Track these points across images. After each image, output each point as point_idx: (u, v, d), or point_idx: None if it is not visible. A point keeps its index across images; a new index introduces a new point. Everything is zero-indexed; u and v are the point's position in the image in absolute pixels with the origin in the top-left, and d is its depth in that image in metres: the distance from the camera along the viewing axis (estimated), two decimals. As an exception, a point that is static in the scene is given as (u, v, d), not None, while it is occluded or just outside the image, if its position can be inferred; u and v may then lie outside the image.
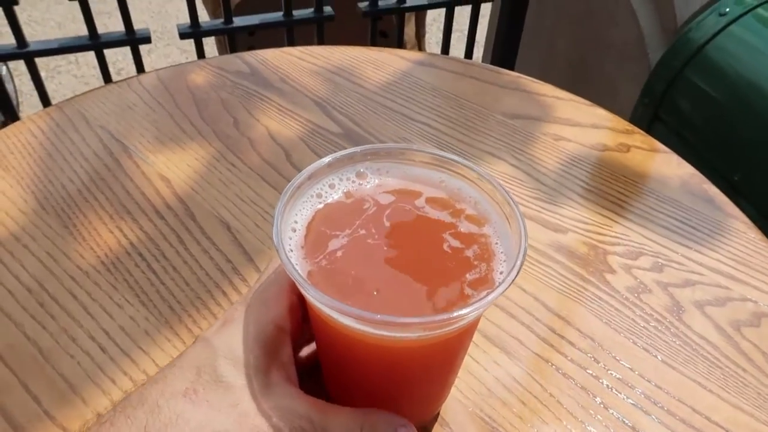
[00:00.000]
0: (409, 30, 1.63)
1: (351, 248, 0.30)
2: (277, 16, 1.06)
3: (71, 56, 2.02)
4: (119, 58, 1.97)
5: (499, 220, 0.32)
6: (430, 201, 0.33)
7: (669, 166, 0.56)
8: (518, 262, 0.28)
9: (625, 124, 0.60)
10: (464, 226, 0.32)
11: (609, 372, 0.41)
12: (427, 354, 0.30)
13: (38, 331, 0.41)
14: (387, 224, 0.31)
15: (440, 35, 2.38)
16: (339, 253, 0.30)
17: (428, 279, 0.29)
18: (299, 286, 0.28)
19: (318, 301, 0.26)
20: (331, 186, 0.33)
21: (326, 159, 0.33)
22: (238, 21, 1.05)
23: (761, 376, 0.41)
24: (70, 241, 0.47)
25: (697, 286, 0.46)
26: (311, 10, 1.08)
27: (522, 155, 0.56)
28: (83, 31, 0.95)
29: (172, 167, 0.54)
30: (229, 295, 0.44)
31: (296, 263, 0.29)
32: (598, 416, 0.38)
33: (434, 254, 0.30)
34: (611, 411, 0.39)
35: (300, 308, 0.33)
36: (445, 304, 0.28)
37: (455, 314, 0.26)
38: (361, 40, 1.09)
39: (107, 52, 0.99)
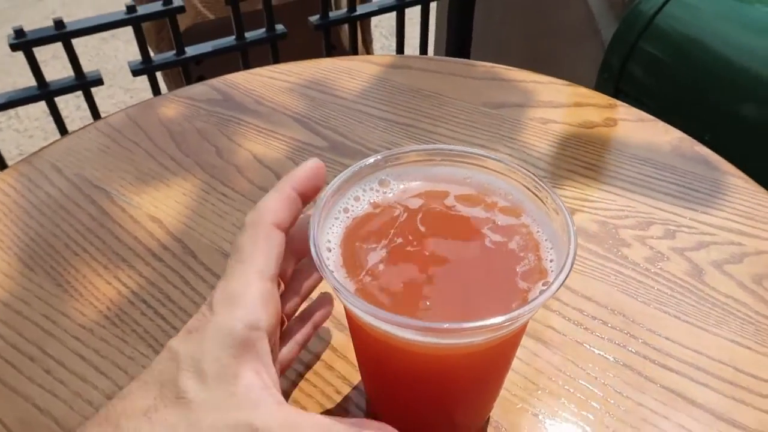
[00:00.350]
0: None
1: (392, 259, 0.29)
2: (230, 40, 1.04)
3: (11, 111, 1.94)
4: (61, 106, 1.90)
5: (534, 208, 0.31)
6: (460, 199, 0.32)
7: (657, 133, 0.56)
8: (572, 246, 0.27)
9: (607, 99, 0.60)
10: (501, 219, 0.31)
11: (647, 345, 0.40)
12: (488, 357, 0.29)
13: (49, 400, 0.39)
14: (422, 229, 0.30)
15: (384, 41, 2.39)
16: (381, 267, 0.28)
17: (480, 278, 0.28)
18: (350, 306, 0.26)
19: (377, 318, 0.25)
20: (356, 199, 0.32)
21: (347, 172, 0.31)
22: (191, 51, 1.02)
23: (792, 325, 0.41)
24: (67, 299, 0.44)
25: (711, 246, 0.46)
26: (263, 30, 1.06)
27: (514, 143, 0.56)
28: (20, 83, 0.91)
29: (161, 206, 0.51)
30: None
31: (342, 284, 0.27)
32: (647, 391, 0.38)
33: (478, 252, 0.29)
34: (658, 384, 0.38)
35: (277, 297, 0.29)
36: (504, 301, 0.27)
37: (521, 310, 0.25)
38: (312, 54, 1.08)
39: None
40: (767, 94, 0.78)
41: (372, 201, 0.32)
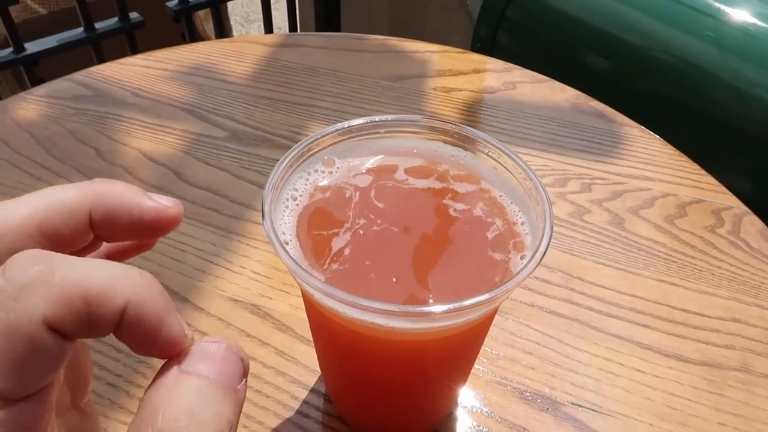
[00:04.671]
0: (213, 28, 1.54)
1: (359, 243, 0.26)
2: (78, 33, 0.93)
3: None
4: None
5: (491, 171, 0.30)
6: (410, 171, 0.30)
7: (555, 93, 0.58)
8: (546, 201, 0.26)
9: (503, 64, 0.61)
10: (459, 187, 0.29)
11: (590, 297, 0.41)
12: (468, 337, 0.27)
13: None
14: (381, 206, 0.28)
15: (240, 29, 2.29)
16: (348, 252, 0.26)
17: (457, 253, 0.26)
18: (323, 299, 0.23)
19: (361, 309, 0.22)
20: (302, 184, 0.28)
21: (287, 156, 0.28)
22: (32, 47, 0.90)
23: (706, 257, 0.44)
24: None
25: (625, 195, 0.48)
26: (115, 19, 0.96)
27: (422, 114, 0.55)
28: None
29: (41, 223, 0.44)
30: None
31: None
32: (599, 341, 0.38)
33: (447, 223, 0.27)
34: (607, 332, 0.39)
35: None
36: (487, 274, 0.25)
37: (515, 279, 0.23)
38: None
39: None
40: (618, 47, 0.84)
41: (320, 184, 0.29)
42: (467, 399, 0.35)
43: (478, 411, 0.35)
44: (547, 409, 0.35)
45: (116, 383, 0.35)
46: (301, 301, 0.30)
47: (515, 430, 0.34)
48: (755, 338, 0.39)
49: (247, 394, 0.34)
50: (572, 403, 0.35)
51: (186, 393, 0.16)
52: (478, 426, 0.34)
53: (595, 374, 0.37)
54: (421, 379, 0.29)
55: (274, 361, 0.36)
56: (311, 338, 0.33)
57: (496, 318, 0.39)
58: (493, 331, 0.39)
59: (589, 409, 0.35)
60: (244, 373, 0.18)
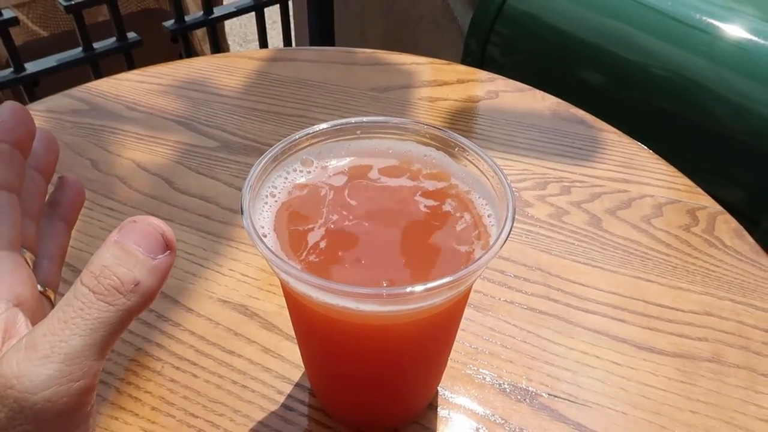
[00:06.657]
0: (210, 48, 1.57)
1: (332, 236, 0.27)
2: (77, 52, 0.95)
3: None
4: None
5: (462, 169, 0.31)
6: (383, 171, 0.31)
7: (536, 101, 0.60)
8: (509, 195, 0.27)
9: (486, 74, 0.63)
10: (429, 184, 0.31)
11: (567, 293, 0.42)
12: (438, 323, 0.29)
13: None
14: (353, 203, 0.29)
15: (238, 48, 2.33)
16: (323, 245, 0.27)
17: (424, 243, 0.28)
18: (301, 287, 0.25)
19: (337, 293, 0.24)
20: (281, 182, 0.30)
21: (268, 154, 0.29)
22: (32, 67, 0.92)
23: (681, 255, 0.45)
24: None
25: (603, 196, 0.50)
26: (113, 39, 0.98)
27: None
28: None
29: (37, 231, 0.45)
30: (167, 346, 0.38)
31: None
32: (576, 336, 0.40)
33: (416, 218, 0.29)
34: (584, 327, 0.40)
35: (20, 261, 0.25)
36: (453, 262, 0.27)
37: (476, 263, 0.25)
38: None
39: None
40: (609, 61, 0.86)
41: (297, 182, 0.30)
42: (446, 391, 0.36)
43: (457, 402, 0.36)
44: (524, 399, 0.36)
45: (107, 380, 0.36)
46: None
47: (493, 420, 0.35)
48: (727, 331, 0.40)
49: (233, 389, 0.36)
50: (548, 394, 0.36)
51: (107, 255, 0.21)
52: (457, 417, 0.35)
53: (571, 366, 0.38)
54: (396, 367, 0.30)
55: (260, 358, 0.38)
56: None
57: (475, 315, 0.41)
58: (471, 326, 0.40)
59: (564, 399, 0.36)
60: (166, 247, 0.22)
